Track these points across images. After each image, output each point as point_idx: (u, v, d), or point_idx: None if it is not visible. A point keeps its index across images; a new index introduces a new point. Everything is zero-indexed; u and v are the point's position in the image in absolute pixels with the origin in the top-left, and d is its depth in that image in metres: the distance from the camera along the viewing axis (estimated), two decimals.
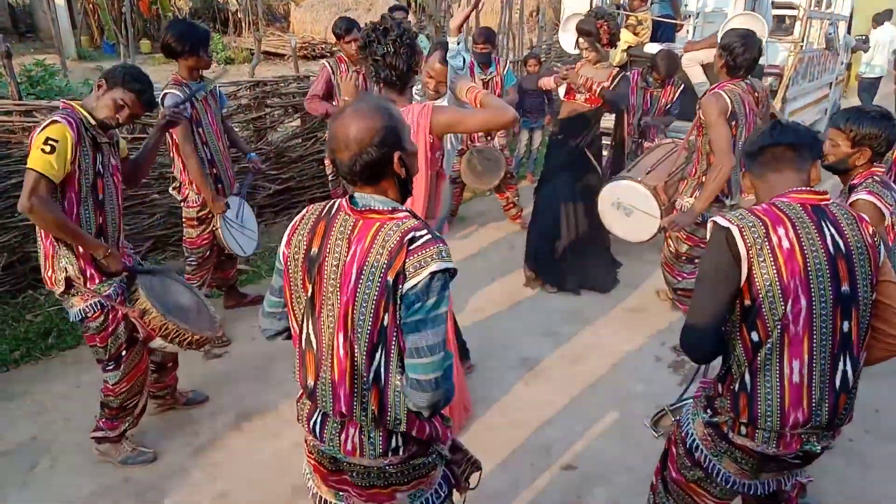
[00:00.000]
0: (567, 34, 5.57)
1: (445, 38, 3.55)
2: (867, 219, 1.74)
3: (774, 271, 1.61)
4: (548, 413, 3.28)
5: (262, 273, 4.78)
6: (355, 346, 1.50)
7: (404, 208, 1.53)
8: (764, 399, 1.67)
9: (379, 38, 2.44)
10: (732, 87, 3.43)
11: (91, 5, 16.46)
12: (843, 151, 2.40)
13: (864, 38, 8.85)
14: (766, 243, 1.61)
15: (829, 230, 1.65)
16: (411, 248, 1.44)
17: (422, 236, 1.46)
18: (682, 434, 1.88)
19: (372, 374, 1.50)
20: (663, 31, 6.33)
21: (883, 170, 2.44)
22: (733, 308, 1.68)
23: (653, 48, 5.87)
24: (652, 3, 6.32)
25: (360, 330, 1.49)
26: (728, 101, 3.38)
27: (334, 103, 4.51)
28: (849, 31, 7.81)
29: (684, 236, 3.79)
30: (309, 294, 1.56)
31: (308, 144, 5.63)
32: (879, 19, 9.81)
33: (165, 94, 3.35)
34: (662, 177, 4.07)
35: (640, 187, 4.03)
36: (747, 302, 1.64)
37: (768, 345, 1.64)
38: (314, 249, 1.54)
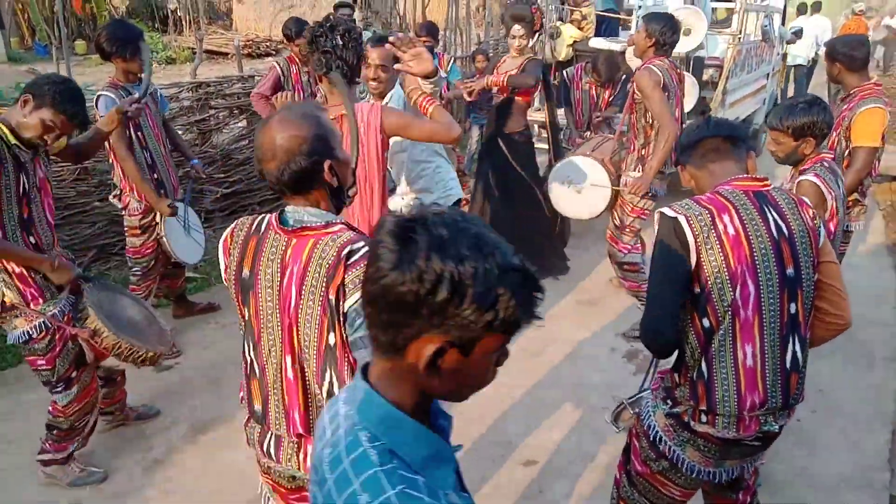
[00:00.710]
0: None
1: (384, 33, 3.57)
2: (807, 202, 1.80)
3: (722, 258, 1.65)
4: (507, 407, 3.30)
5: (211, 280, 4.66)
6: (305, 367, 1.47)
7: (338, 220, 1.47)
8: (721, 385, 1.71)
9: (326, 32, 2.42)
10: (660, 62, 3.65)
11: (20, 5, 15.75)
12: (789, 146, 2.46)
13: (798, 29, 9.20)
14: (713, 231, 1.65)
15: (771, 215, 1.70)
16: (349, 262, 1.38)
17: (360, 248, 1.39)
18: (644, 427, 1.90)
19: (325, 394, 1.47)
20: (607, 26, 6.43)
21: (831, 156, 2.52)
22: (685, 297, 1.71)
23: (597, 42, 5.96)
24: None
25: (307, 350, 1.45)
26: (659, 73, 3.60)
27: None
28: (783, 23, 8.09)
29: (630, 209, 3.89)
30: (246, 318, 1.51)
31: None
32: (802, 9, 10.20)
33: (99, 96, 3.24)
34: (606, 154, 4.18)
35: (588, 160, 4.10)
36: (697, 289, 1.68)
37: (721, 331, 1.68)
38: (245, 272, 1.49)
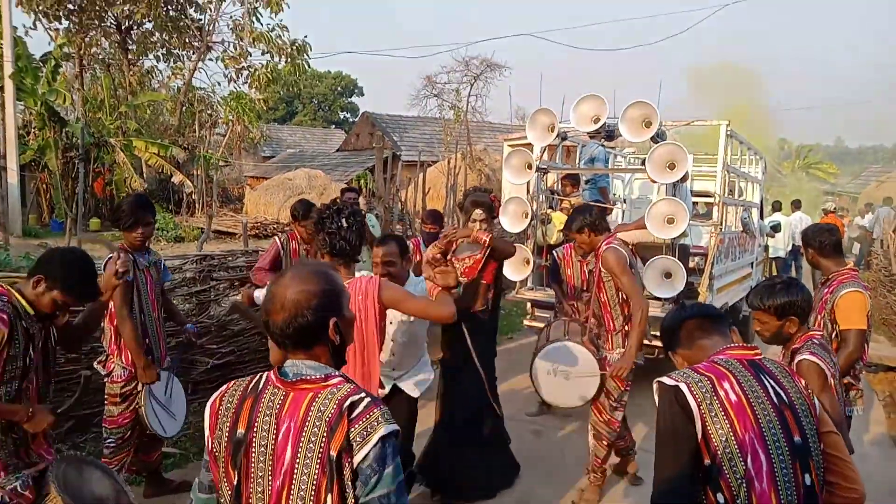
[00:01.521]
0: (507, 216, 5.93)
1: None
2: (796, 372, 1.79)
3: (728, 425, 1.59)
4: None
5: (190, 456, 4.43)
6: None
7: (338, 373, 1.45)
8: None
9: (332, 215, 2.67)
10: (618, 241, 3.92)
11: (45, 185, 16.79)
12: (773, 325, 2.50)
13: (775, 224, 9.76)
14: (715, 398, 1.62)
15: (769, 382, 1.68)
16: (353, 415, 1.34)
17: (361, 400, 1.37)
18: None
19: None
20: None
21: (820, 334, 2.55)
22: (696, 470, 1.63)
23: None
24: (583, 190, 6.87)
25: None
26: (624, 252, 3.85)
27: None
28: (761, 218, 8.59)
29: (623, 385, 3.88)
30: (235, 483, 1.42)
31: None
32: (777, 206, 11.07)
33: (109, 259, 3.34)
34: (579, 336, 4.12)
35: (575, 346, 4.02)
36: (707, 461, 1.61)
37: None
38: (240, 431, 1.42)
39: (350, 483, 1.32)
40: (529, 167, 5.86)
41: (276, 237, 4.76)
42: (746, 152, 7.31)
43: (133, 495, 2.71)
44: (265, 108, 23.78)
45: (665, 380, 1.69)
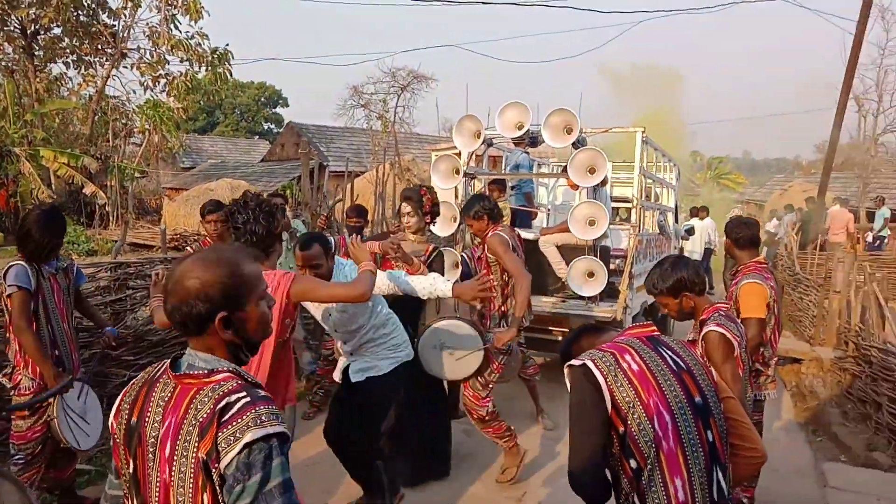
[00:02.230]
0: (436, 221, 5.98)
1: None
2: (692, 344, 1.92)
3: (633, 392, 1.69)
4: None
5: (106, 473, 4.18)
6: None
7: (227, 368, 1.37)
8: None
9: (239, 208, 2.68)
10: (501, 228, 4.31)
11: None
12: (673, 304, 2.67)
13: (690, 228, 10.27)
14: (619, 369, 1.73)
15: (666, 353, 1.80)
16: (224, 419, 1.28)
17: (237, 401, 1.29)
18: None
19: None
20: (521, 219, 6.97)
21: (727, 306, 2.71)
22: (611, 442, 1.71)
23: None
24: (510, 196, 7.02)
25: None
26: (506, 237, 4.25)
27: None
28: (676, 221, 9.02)
29: (495, 366, 4.16)
30: (131, 469, 1.38)
31: (171, 329, 5.35)
32: (694, 211, 11.66)
33: (10, 266, 3.15)
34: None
35: (462, 323, 4.12)
36: (621, 429, 1.69)
37: (648, 466, 1.67)
38: (133, 419, 1.39)
39: (220, 487, 1.28)
40: (457, 172, 5.95)
41: (190, 245, 4.64)
42: (661, 159, 7.67)
43: None
44: (184, 117, 22.99)
45: (573, 362, 1.80)
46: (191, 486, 1.29)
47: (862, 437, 5.25)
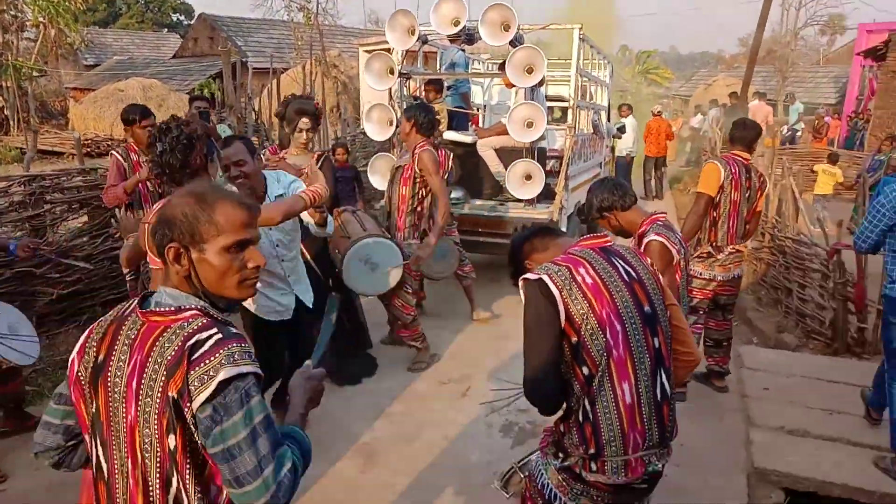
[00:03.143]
0: (371, 123, 5.81)
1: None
2: (642, 252, 2.00)
3: (587, 305, 1.76)
4: (389, 497, 3.15)
5: (44, 392, 4.12)
6: (147, 474, 1.30)
7: (195, 305, 1.33)
8: (606, 425, 1.77)
9: (158, 135, 2.54)
10: (429, 145, 4.42)
11: None
12: (608, 227, 2.80)
13: (621, 125, 10.39)
14: (573, 283, 1.77)
15: (619, 263, 1.87)
16: (193, 357, 1.23)
17: (208, 338, 1.25)
18: (539, 487, 1.91)
19: (172, 502, 1.30)
20: (458, 121, 6.86)
21: (664, 215, 2.81)
22: (562, 351, 1.78)
23: (450, 135, 6.33)
24: (445, 97, 6.85)
25: (147, 455, 1.29)
26: (436, 154, 4.40)
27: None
28: (608, 120, 9.11)
29: (413, 275, 4.51)
30: (94, 409, 1.35)
31: (98, 242, 5.11)
32: (628, 109, 11.75)
33: None
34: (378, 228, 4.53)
35: (383, 240, 4.26)
36: (574, 339, 1.76)
37: (599, 373, 1.76)
38: (100, 357, 1.34)
39: (194, 427, 1.25)
40: (391, 72, 5.72)
41: (114, 151, 4.30)
42: (596, 56, 7.61)
43: None
44: (82, 7, 20.85)
45: (528, 276, 1.83)
46: (156, 427, 1.26)
47: (772, 321, 5.72)
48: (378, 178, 5.74)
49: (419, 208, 4.47)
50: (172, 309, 1.31)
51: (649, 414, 1.81)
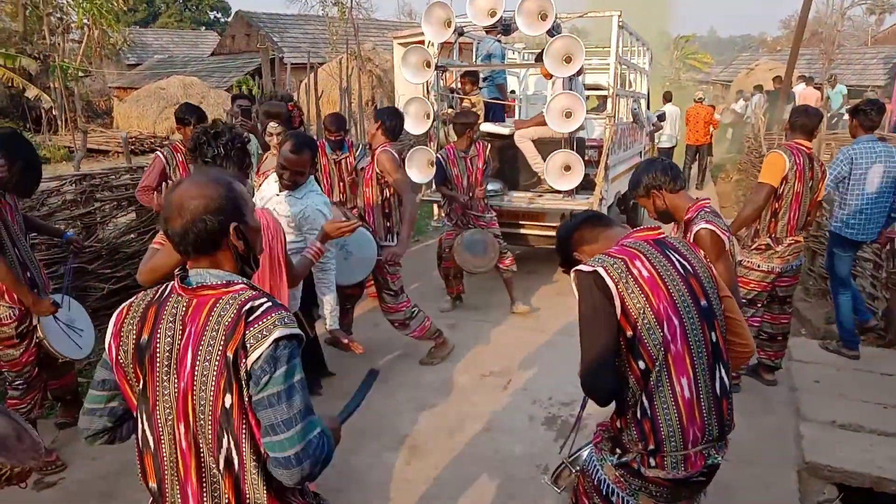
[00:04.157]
0: (409, 117, 5.81)
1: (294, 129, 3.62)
2: (695, 244, 1.97)
3: (644, 299, 1.73)
4: (433, 490, 3.17)
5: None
6: (199, 437, 1.40)
7: (241, 280, 1.46)
8: (665, 421, 1.75)
9: (209, 140, 2.49)
10: (390, 146, 4.37)
11: None
12: (649, 205, 2.70)
13: (661, 112, 10.19)
14: (630, 276, 1.75)
15: (674, 256, 1.84)
16: (250, 319, 1.37)
17: (261, 304, 1.39)
18: (595, 482, 1.90)
19: (223, 462, 1.40)
20: (494, 112, 6.83)
21: (709, 201, 2.74)
22: (618, 345, 1.76)
23: (487, 127, 6.30)
24: (481, 88, 6.82)
25: (201, 417, 1.39)
26: (394, 153, 4.37)
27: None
28: (648, 108, 8.94)
29: (391, 277, 4.39)
30: (141, 386, 1.44)
31: (145, 238, 5.24)
32: (668, 96, 11.46)
33: None
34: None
35: (363, 230, 4.22)
36: (629, 333, 1.74)
37: (656, 368, 1.74)
38: (144, 337, 1.43)
39: (245, 384, 1.36)
40: (428, 65, 5.71)
41: (159, 152, 4.35)
42: (635, 44, 7.47)
43: (37, 433, 2.58)
44: (123, 8, 21.36)
45: (582, 267, 1.80)
46: (212, 389, 1.36)
47: (822, 312, 5.56)
48: (415, 172, 5.74)
49: (387, 209, 4.45)
50: (223, 283, 1.43)
51: (709, 409, 1.79)
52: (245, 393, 1.36)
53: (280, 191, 3.17)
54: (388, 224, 4.47)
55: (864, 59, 22.15)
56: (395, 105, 7.26)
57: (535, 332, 5.13)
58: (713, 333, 1.81)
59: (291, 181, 3.10)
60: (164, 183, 4.28)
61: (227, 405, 1.36)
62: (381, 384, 4.26)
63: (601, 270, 1.76)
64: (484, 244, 5.22)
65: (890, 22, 29.16)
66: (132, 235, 5.23)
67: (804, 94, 13.01)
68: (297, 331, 1.39)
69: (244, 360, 1.34)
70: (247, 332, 1.35)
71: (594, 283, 1.75)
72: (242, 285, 1.44)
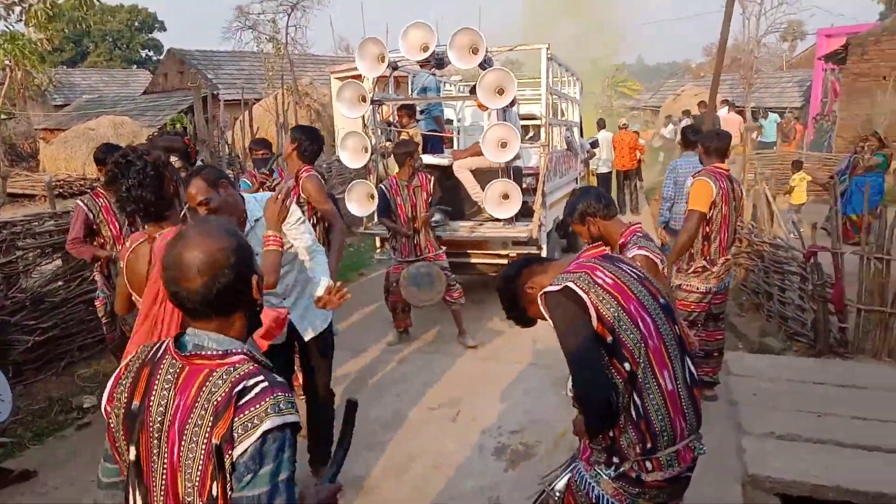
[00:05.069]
0: (346, 151, 5.80)
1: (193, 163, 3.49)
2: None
3: (615, 302, 1.80)
4: None
5: (25, 443, 4.00)
6: None
7: (242, 350, 1.33)
8: (656, 416, 1.81)
9: (122, 171, 2.33)
10: (315, 170, 4.22)
11: None
12: (585, 231, 2.81)
13: (594, 140, 10.50)
14: (596, 285, 1.82)
15: (623, 266, 1.94)
16: (241, 402, 1.23)
17: (255, 385, 1.26)
18: (592, 500, 1.89)
19: None
20: (433, 144, 6.90)
21: (640, 226, 2.83)
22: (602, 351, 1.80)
23: (425, 158, 6.35)
24: (418, 121, 6.89)
25: (190, 500, 1.26)
26: (319, 179, 4.20)
27: (99, 243, 4.09)
28: (581, 135, 9.20)
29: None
30: (133, 457, 1.32)
31: (73, 286, 5.02)
32: (602, 123, 11.85)
33: None
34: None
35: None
36: (609, 339, 1.77)
37: (640, 365, 1.79)
38: (135, 403, 1.32)
39: (230, 476, 1.24)
40: (363, 100, 5.73)
41: (80, 200, 4.11)
42: (565, 74, 7.70)
43: None
44: (49, 48, 20.69)
45: (550, 288, 1.85)
46: (199, 472, 1.24)
47: (755, 326, 5.77)
48: (355, 205, 5.73)
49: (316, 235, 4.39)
50: (220, 353, 1.30)
51: (687, 398, 1.86)
52: (229, 486, 1.24)
53: None
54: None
55: (780, 82, 23.48)
56: (335, 139, 7.23)
57: (484, 362, 5.13)
58: (676, 327, 1.91)
59: (207, 211, 2.74)
60: (91, 234, 4.08)
61: (214, 495, 1.24)
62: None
63: (571, 284, 1.81)
64: (430, 277, 5.21)
65: (802, 47, 31.10)
66: (59, 283, 4.99)
67: (727, 118, 13.67)
68: (292, 418, 1.26)
69: (230, 452, 1.22)
70: (235, 418, 1.22)
71: (565, 297, 1.81)
72: (241, 357, 1.31)
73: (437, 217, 6.02)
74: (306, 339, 3.18)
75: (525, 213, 5.94)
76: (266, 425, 1.22)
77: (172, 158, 3.89)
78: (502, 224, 5.95)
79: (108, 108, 21.44)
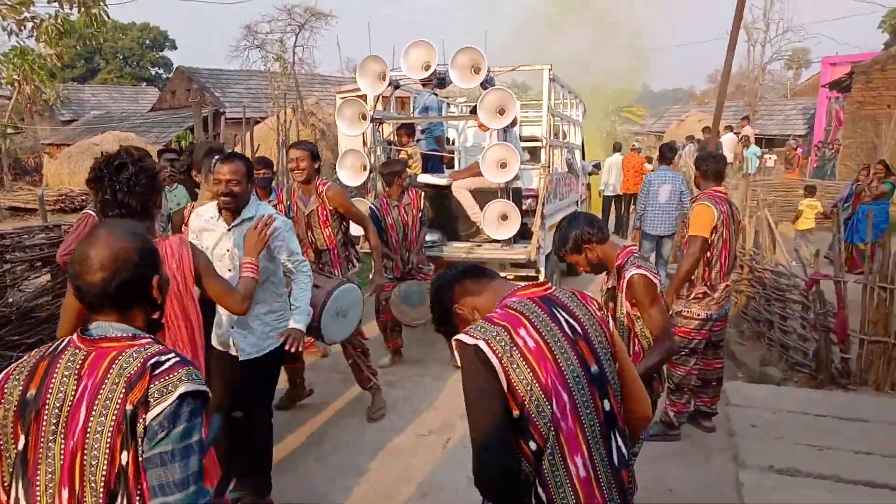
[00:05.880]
0: (344, 169, 5.76)
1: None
2: (590, 295, 1.79)
3: (531, 373, 1.55)
4: None
5: None
6: (84, 501, 1.30)
7: (148, 335, 1.41)
8: None
9: (111, 173, 2.21)
10: (332, 183, 4.42)
11: None
12: (581, 260, 2.73)
13: (597, 162, 10.47)
14: (514, 348, 1.56)
15: (562, 317, 1.66)
16: (156, 372, 1.31)
17: (168, 360, 1.34)
18: None
19: None
20: (433, 164, 6.84)
21: (635, 247, 2.76)
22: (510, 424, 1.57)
23: (425, 178, 6.30)
24: (418, 140, 6.85)
25: (91, 479, 1.27)
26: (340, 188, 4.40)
27: None
28: (583, 158, 9.16)
29: None
30: (20, 447, 1.31)
31: (61, 301, 4.93)
32: (617, 147, 11.95)
33: None
34: None
35: (357, 290, 4.07)
36: (516, 413, 1.55)
37: (548, 449, 1.56)
38: (31, 393, 1.34)
39: (142, 440, 1.28)
40: (364, 118, 5.70)
41: (89, 210, 4.09)
42: (567, 96, 7.68)
43: None
44: (59, 64, 20.93)
45: (463, 338, 1.60)
46: (107, 446, 1.28)
47: (756, 354, 5.65)
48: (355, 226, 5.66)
49: (346, 241, 4.52)
50: (129, 335, 1.38)
51: (608, 484, 1.61)
52: (141, 451, 1.28)
53: (221, 217, 2.99)
54: (347, 253, 4.52)
55: (784, 110, 23.53)
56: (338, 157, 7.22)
57: None
58: (605, 401, 1.65)
59: (228, 193, 2.87)
60: None
61: (124, 464, 1.28)
62: (315, 447, 4.07)
63: (482, 345, 1.56)
64: (421, 296, 5.13)
65: (807, 75, 31.21)
66: (47, 298, 4.91)
67: (728, 141, 13.70)
68: (204, 388, 1.34)
69: (143, 416, 1.28)
70: (151, 385, 1.29)
71: (476, 357, 1.56)
72: (149, 339, 1.39)
73: (433, 237, 5.95)
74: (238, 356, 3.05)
75: (524, 235, 5.87)
76: (182, 389, 1.30)
77: (167, 154, 3.92)
78: (500, 245, 5.87)
79: (114, 124, 21.60)
